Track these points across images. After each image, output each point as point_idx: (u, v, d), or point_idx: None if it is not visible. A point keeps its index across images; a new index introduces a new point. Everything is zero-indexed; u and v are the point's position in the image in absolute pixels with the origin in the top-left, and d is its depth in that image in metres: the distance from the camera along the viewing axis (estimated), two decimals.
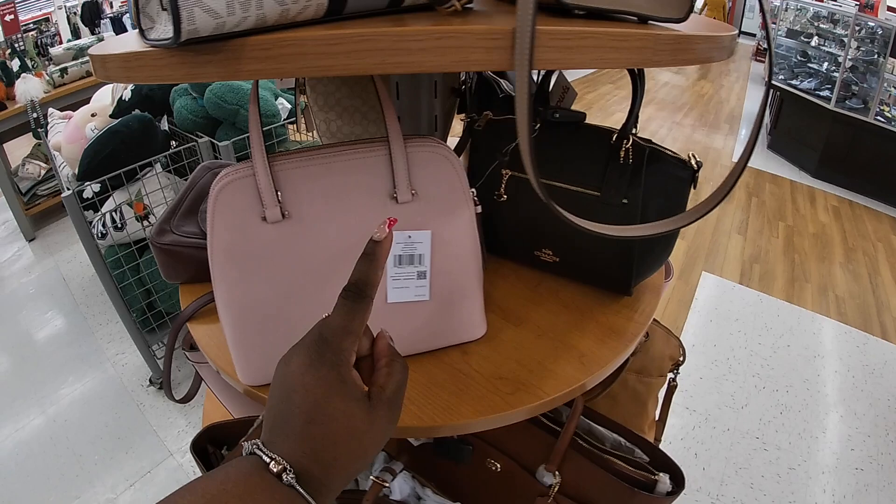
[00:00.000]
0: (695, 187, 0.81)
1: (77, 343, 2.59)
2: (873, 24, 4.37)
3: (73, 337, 2.64)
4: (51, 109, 2.69)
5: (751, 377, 2.42)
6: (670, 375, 1.19)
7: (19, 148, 3.65)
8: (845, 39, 4.50)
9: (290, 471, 0.33)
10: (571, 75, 7.91)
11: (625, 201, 0.79)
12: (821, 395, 2.36)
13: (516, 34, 0.38)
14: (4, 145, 3.41)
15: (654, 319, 1.17)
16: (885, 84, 4.18)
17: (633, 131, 0.85)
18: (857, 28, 4.42)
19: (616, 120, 5.92)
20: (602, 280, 0.89)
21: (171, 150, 2.07)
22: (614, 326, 0.83)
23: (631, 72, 0.83)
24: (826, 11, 4.94)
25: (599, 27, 0.44)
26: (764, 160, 5.02)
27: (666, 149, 0.82)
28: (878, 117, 4.26)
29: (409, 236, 0.63)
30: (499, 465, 0.90)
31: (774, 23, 5.51)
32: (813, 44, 5.04)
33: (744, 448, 2.08)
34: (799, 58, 5.20)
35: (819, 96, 4.70)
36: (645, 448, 0.88)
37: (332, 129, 1.19)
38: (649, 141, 0.83)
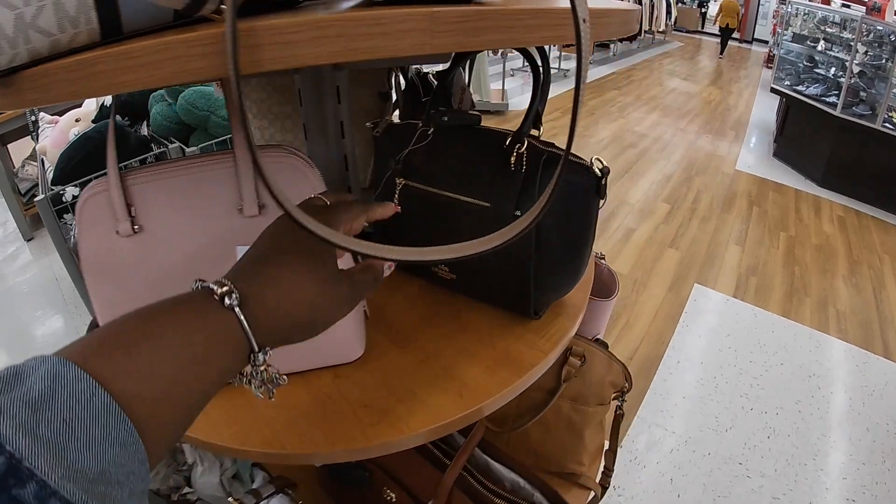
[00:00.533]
0: (602, 197, 0.69)
1: (63, 342, 2.48)
2: (882, 28, 4.21)
3: (60, 337, 2.59)
4: (42, 113, 2.72)
5: (738, 397, 2.27)
6: (616, 403, 1.07)
7: (24, 149, 3.68)
8: (853, 44, 4.33)
9: (234, 296, 0.33)
10: (571, 82, 7.80)
11: (517, 213, 0.68)
12: (813, 419, 2.20)
13: (224, 35, 0.33)
14: (8, 146, 3.49)
15: (599, 341, 1.05)
16: (894, 90, 4.01)
17: (537, 134, 0.74)
18: (864, 32, 4.26)
19: (618, 128, 5.80)
20: (501, 301, 0.79)
21: (139, 157, 2.01)
22: (511, 354, 0.72)
23: (531, 61, 0.73)
24: (833, 15, 4.78)
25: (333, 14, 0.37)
26: (769, 168, 4.86)
27: (569, 152, 0.70)
28: (887, 124, 4.09)
29: None
30: (393, 496, 0.85)
31: (784, 28, 5.36)
32: (820, 48, 4.88)
33: (725, 475, 1.93)
34: (805, 63, 5.04)
35: (826, 102, 4.53)
36: (547, 493, 0.77)
37: (266, 136, 1.15)
38: (551, 144, 0.72)
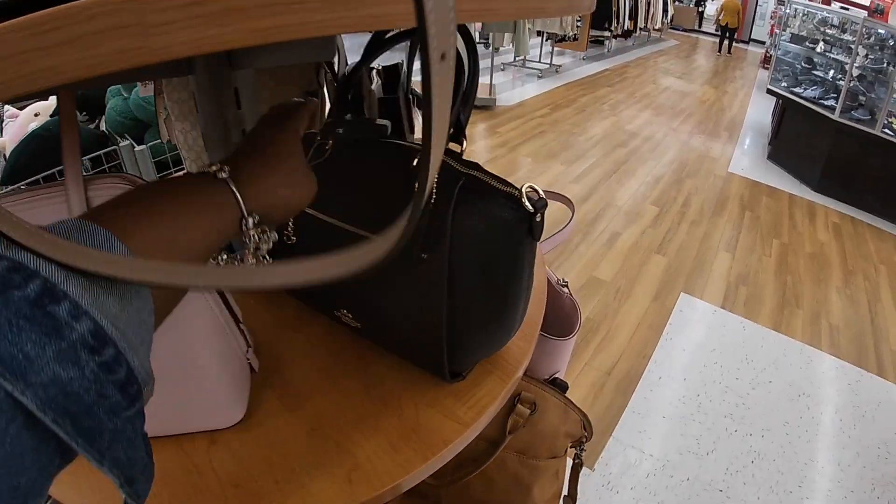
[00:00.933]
0: (534, 237, 0.53)
1: None
2: (883, 32, 4.06)
3: None
4: (7, 106, 2.54)
5: (722, 418, 2.13)
6: (574, 451, 0.92)
7: None
8: (853, 46, 4.18)
9: (226, 170, 0.37)
10: (567, 77, 7.64)
11: (424, 256, 0.54)
12: (801, 441, 2.06)
13: None
14: None
15: (556, 381, 0.90)
16: (894, 95, 3.86)
17: (459, 150, 0.57)
18: (865, 35, 4.11)
19: (609, 126, 5.65)
20: (413, 357, 0.64)
21: (91, 155, 1.84)
22: (422, 426, 0.58)
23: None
24: (833, 17, 4.62)
25: None
26: (763, 171, 4.72)
27: (492, 178, 0.53)
28: (886, 130, 3.95)
29: None
30: None
31: (781, 29, 5.22)
32: (819, 50, 4.73)
33: (704, 502, 1.79)
34: (803, 65, 4.89)
35: (823, 105, 4.39)
36: None
37: (189, 140, 1.02)
38: (474, 165, 0.54)
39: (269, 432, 0.58)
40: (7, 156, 2.06)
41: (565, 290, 0.94)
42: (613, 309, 2.74)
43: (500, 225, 0.52)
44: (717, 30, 10.99)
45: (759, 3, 12.42)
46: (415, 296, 0.56)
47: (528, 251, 0.55)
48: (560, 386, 0.91)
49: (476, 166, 0.54)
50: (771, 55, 6.06)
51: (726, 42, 10.83)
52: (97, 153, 1.88)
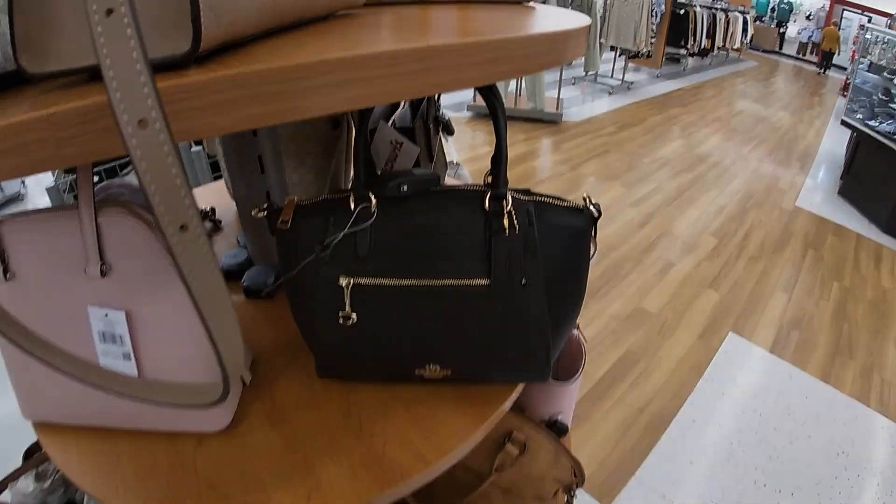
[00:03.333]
0: (595, 238, 0.65)
1: None
2: None
3: None
4: None
5: (752, 470, 2.10)
6: (565, 497, 0.97)
7: None
8: None
9: None
10: (638, 94, 7.52)
11: (525, 282, 0.61)
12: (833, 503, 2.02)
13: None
14: None
15: (556, 424, 0.95)
16: None
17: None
18: None
19: (677, 148, 5.56)
20: (516, 373, 0.70)
21: (106, 165, 1.97)
22: (386, 457, 0.64)
23: (486, 97, 0.60)
24: None
25: None
26: (832, 207, 4.55)
27: (549, 196, 0.64)
28: None
29: (106, 314, 0.58)
30: None
31: (863, 56, 4.99)
32: None
33: None
34: (881, 96, 4.66)
35: None
36: None
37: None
38: (525, 191, 0.64)
39: (249, 443, 0.65)
40: None
41: (575, 330, 0.97)
42: (656, 344, 2.73)
43: (576, 232, 0.63)
44: (816, 53, 11.09)
45: (841, 28, 11.88)
46: (517, 316, 0.63)
47: (588, 255, 0.65)
48: (559, 429, 0.95)
49: (526, 191, 0.64)
50: (850, 83, 5.80)
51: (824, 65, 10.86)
52: (112, 164, 1.97)
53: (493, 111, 0.60)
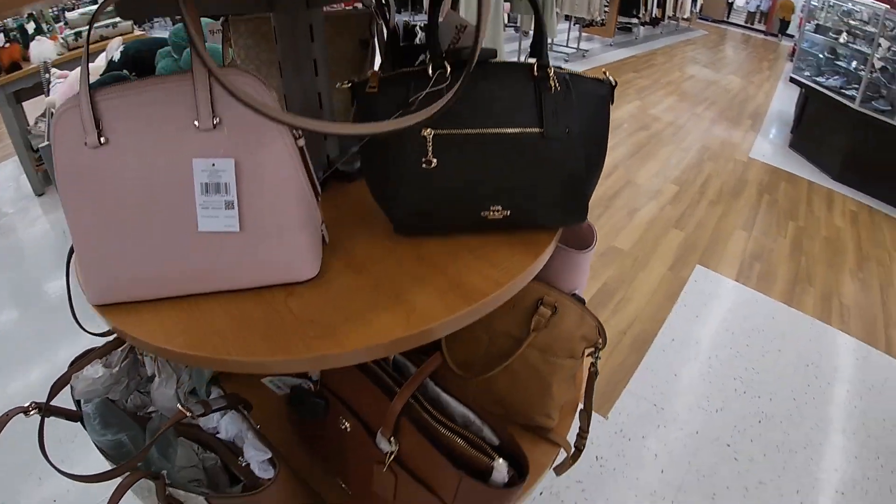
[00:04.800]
0: (612, 102, 0.77)
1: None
2: None
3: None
4: (53, 69, 2.77)
5: (731, 380, 2.18)
6: (590, 360, 0.98)
7: (38, 107, 3.66)
8: (875, 38, 4.16)
9: None
10: (593, 62, 7.63)
11: (567, 131, 0.72)
12: (808, 407, 2.12)
13: None
14: (24, 104, 3.52)
15: (575, 296, 0.97)
16: None
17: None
18: (888, 27, 4.09)
19: (633, 109, 5.67)
20: (560, 216, 0.78)
21: None
22: (464, 283, 0.69)
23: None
24: (859, 10, 4.59)
25: None
26: (783, 158, 4.73)
27: (577, 73, 0.76)
28: None
29: (213, 164, 0.61)
30: (348, 425, 0.81)
31: (808, 20, 5.19)
32: (842, 41, 4.70)
33: (710, 455, 1.85)
34: (826, 55, 4.86)
35: (845, 95, 4.38)
36: (497, 428, 0.70)
37: None
38: (558, 67, 0.75)
39: (339, 287, 0.68)
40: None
41: None
42: (631, 276, 2.80)
43: (598, 98, 0.75)
44: (764, 22, 11.59)
45: None
46: (562, 161, 0.72)
47: (609, 113, 0.77)
48: (579, 300, 0.97)
49: (559, 67, 0.74)
50: (797, 47, 6.04)
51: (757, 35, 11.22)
52: None
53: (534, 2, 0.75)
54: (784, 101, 6.47)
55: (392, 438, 0.71)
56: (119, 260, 0.62)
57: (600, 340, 0.96)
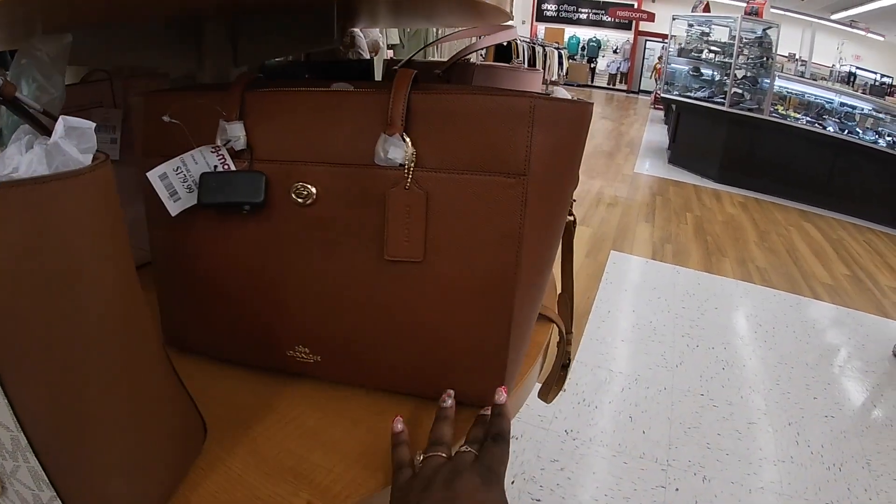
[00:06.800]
0: None
1: None
2: (759, 29, 4.39)
3: None
4: None
5: (680, 337, 1.98)
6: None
7: None
8: (734, 47, 4.47)
9: None
10: None
11: None
12: (764, 349, 1.95)
13: None
14: None
15: None
16: (776, 82, 4.15)
17: None
18: (742, 35, 4.41)
19: None
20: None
21: None
22: None
23: None
24: (714, 28, 4.93)
25: None
26: (666, 172, 4.87)
27: None
28: (773, 115, 4.20)
29: None
30: (314, 190, 0.42)
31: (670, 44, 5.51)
32: (703, 57, 5.00)
33: (688, 406, 1.60)
34: (692, 73, 5.14)
35: (714, 102, 4.61)
36: None
37: None
38: None
39: None
40: None
41: None
42: None
43: None
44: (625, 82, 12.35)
45: (645, 58, 13.34)
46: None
47: None
48: None
49: None
50: (660, 95, 6.36)
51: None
52: None
53: None
54: (654, 134, 6.87)
55: (404, 137, 0.38)
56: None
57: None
